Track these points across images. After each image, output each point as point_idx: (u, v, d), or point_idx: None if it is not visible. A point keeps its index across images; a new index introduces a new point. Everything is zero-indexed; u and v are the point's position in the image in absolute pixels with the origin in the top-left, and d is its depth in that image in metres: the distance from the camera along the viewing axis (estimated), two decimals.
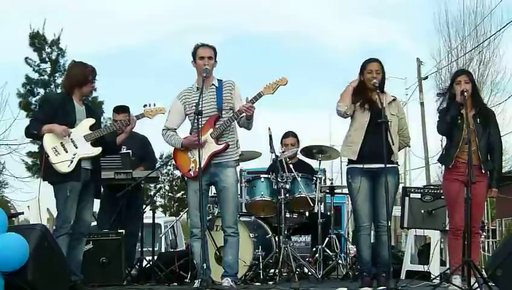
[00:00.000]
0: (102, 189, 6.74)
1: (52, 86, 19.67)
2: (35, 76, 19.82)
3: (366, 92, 5.30)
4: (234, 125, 5.37)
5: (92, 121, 5.35)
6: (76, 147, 5.20)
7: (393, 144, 5.21)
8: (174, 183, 25.93)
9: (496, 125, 5.31)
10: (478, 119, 5.15)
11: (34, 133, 5.28)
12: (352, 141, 5.29)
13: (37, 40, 19.63)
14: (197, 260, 5.21)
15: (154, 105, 5.52)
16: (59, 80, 19.82)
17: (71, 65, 5.53)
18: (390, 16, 49.48)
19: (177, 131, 5.44)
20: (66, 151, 5.17)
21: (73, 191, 5.13)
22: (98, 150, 5.31)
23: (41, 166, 5.18)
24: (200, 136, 5.06)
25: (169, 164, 24.56)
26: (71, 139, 5.20)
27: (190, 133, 5.32)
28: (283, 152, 6.70)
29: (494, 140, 5.22)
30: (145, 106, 5.53)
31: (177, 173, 24.17)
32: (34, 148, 18.37)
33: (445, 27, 21.23)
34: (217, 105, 5.29)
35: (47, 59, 19.81)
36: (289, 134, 7.06)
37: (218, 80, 5.39)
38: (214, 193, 5.72)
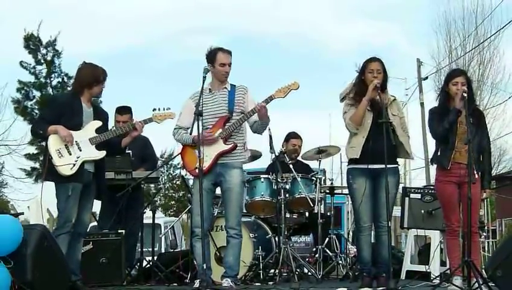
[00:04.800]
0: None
1: (48, 88, 19.57)
2: (31, 79, 19.67)
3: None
4: (244, 127, 5.40)
5: (98, 123, 5.35)
6: (81, 150, 5.20)
7: (399, 144, 5.22)
8: (174, 182, 25.99)
9: (485, 127, 5.35)
10: (471, 120, 5.15)
11: (39, 132, 5.30)
12: (356, 142, 5.27)
13: (31, 42, 19.50)
14: (198, 260, 5.21)
15: (164, 109, 5.50)
16: (55, 81, 19.77)
17: (81, 66, 5.51)
18: (390, 17, 49.46)
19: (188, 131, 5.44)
20: (70, 154, 5.17)
21: (75, 191, 5.14)
22: (102, 154, 5.31)
23: (44, 166, 5.17)
24: (201, 136, 5.07)
25: (170, 163, 24.71)
26: (76, 141, 5.20)
27: (190, 134, 5.32)
28: (284, 150, 6.73)
29: (484, 141, 5.25)
30: (154, 109, 5.51)
31: (178, 172, 24.39)
32: (32, 149, 18.36)
33: (445, 28, 21.29)
34: (229, 107, 5.32)
35: (42, 61, 19.69)
36: (297, 135, 7.18)
37: (231, 84, 5.42)
38: (216, 194, 5.72)
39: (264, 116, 5.24)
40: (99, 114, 5.48)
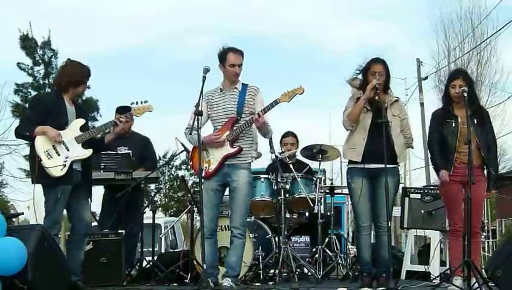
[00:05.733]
0: (104, 190, 6.80)
1: (46, 89, 19.50)
2: (29, 80, 19.62)
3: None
4: (254, 128, 5.40)
5: (82, 121, 5.31)
6: (68, 150, 5.16)
7: (394, 145, 5.21)
8: (173, 183, 25.96)
9: (491, 126, 5.32)
10: (475, 120, 5.14)
11: (25, 134, 5.21)
12: (355, 143, 5.27)
13: (27, 43, 19.46)
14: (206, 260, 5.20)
15: (141, 102, 5.49)
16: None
17: (67, 63, 5.46)
18: (390, 17, 49.55)
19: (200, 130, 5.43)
20: (59, 155, 5.12)
21: (64, 193, 5.09)
22: (89, 152, 5.27)
23: (33, 168, 5.07)
24: (201, 136, 5.10)
25: (171, 163, 24.67)
26: (63, 141, 5.15)
27: (190, 133, 5.31)
28: (282, 152, 6.71)
29: (490, 140, 5.24)
30: (132, 103, 5.51)
31: (179, 173, 24.34)
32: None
33: (444, 28, 21.29)
34: (237, 108, 5.33)
35: (40, 61, 19.65)
36: (289, 134, 7.10)
37: (243, 84, 5.42)
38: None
39: (261, 126, 5.26)
40: (81, 112, 5.45)
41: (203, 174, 5.25)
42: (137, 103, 5.50)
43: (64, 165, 5.10)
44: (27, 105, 18.74)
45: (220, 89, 5.43)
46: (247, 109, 5.35)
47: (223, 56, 5.34)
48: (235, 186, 5.27)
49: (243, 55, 5.37)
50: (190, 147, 5.76)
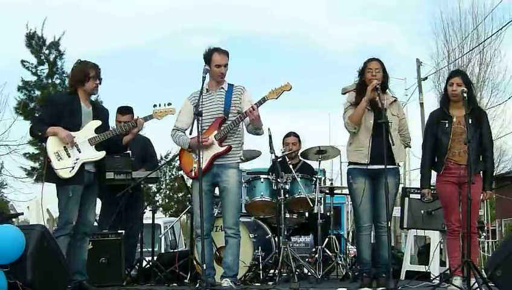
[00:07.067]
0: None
1: (50, 89, 19.43)
2: (33, 78, 19.56)
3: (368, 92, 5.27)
4: (241, 128, 5.40)
5: (98, 123, 5.31)
6: (80, 152, 5.16)
7: (393, 145, 5.21)
8: (173, 184, 25.94)
9: (487, 126, 5.30)
10: (470, 120, 5.14)
11: (38, 134, 5.26)
12: (361, 144, 5.27)
13: (34, 41, 19.39)
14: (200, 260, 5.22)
15: (165, 105, 5.46)
16: (57, 81, 19.67)
17: (74, 65, 5.50)
18: (390, 17, 49.62)
19: (186, 132, 5.43)
20: (69, 156, 5.14)
21: (76, 193, 5.11)
22: (101, 154, 5.28)
23: (44, 168, 5.15)
24: (201, 137, 5.09)
25: (172, 164, 24.63)
26: (75, 142, 5.16)
27: (190, 133, 5.33)
28: (284, 152, 6.73)
29: (485, 141, 5.22)
30: (154, 106, 5.46)
31: (180, 173, 24.29)
32: (33, 149, 18.30)
33: (444, 28, 21.28)
34: (224, 108, 5.33)
35: (45, 61, 19.59)
36: (291, 134, 7.14)
37: (229, 84, 5.42)
38: (216, 194, 5.73)
39: (255, 119, 5.24)
40: (99, 113, 5.44)
41: (192, 175, 5.28)
42: (160, 105, 5.45)
43: (73, 168, 5.11)
44: (37, 105, 18.79)
45: (207, 89, 5.39)
46: (234, 108, 5.35)
47: (208, 57, 5.32)
48: (225, 186, 5.27)
49: (228, 55, 5.37)
50: None
